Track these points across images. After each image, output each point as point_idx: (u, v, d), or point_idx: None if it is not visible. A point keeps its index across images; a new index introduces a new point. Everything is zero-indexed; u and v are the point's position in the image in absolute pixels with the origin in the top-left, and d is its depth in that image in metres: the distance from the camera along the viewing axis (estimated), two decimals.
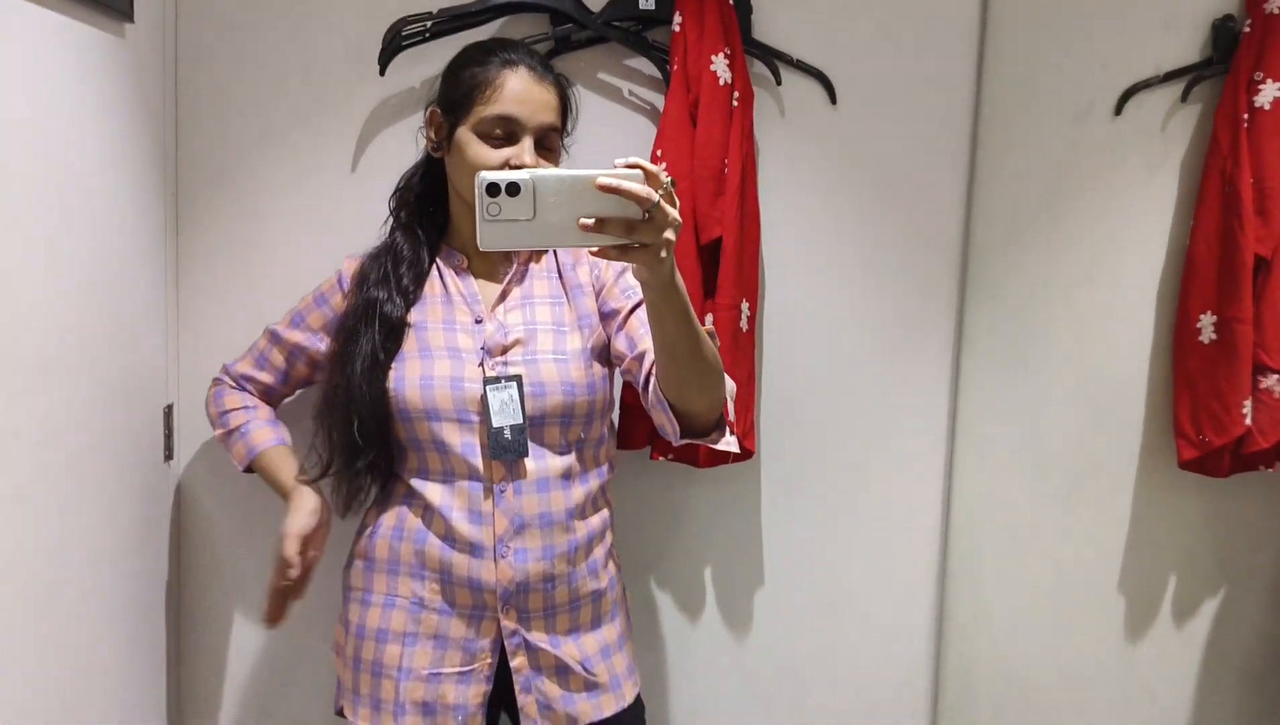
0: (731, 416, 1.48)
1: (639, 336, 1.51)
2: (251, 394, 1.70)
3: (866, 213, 1.89)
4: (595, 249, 1.16)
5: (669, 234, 1.17)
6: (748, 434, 1.83)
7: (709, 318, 1.79)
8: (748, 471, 1.93)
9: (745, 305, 1.81)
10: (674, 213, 1.16)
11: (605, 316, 1.58)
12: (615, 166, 1.14)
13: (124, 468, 1.66)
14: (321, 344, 1.65)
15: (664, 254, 1.18)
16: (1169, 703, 1.94)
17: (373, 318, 1.54)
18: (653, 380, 1.43)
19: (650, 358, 1.46)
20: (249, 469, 1.67)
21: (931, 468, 1.95)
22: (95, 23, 1.51)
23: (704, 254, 1.80)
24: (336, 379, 1.55)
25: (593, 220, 1.13)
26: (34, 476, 1.37)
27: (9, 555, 1.32)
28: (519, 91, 1.50)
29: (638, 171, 1.13)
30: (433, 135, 1.57)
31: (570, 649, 1.55)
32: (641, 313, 1.51)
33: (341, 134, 1.84)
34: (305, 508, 1.56)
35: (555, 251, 1.63)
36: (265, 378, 1.70)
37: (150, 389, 1.76)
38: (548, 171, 1.15)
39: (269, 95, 1.83)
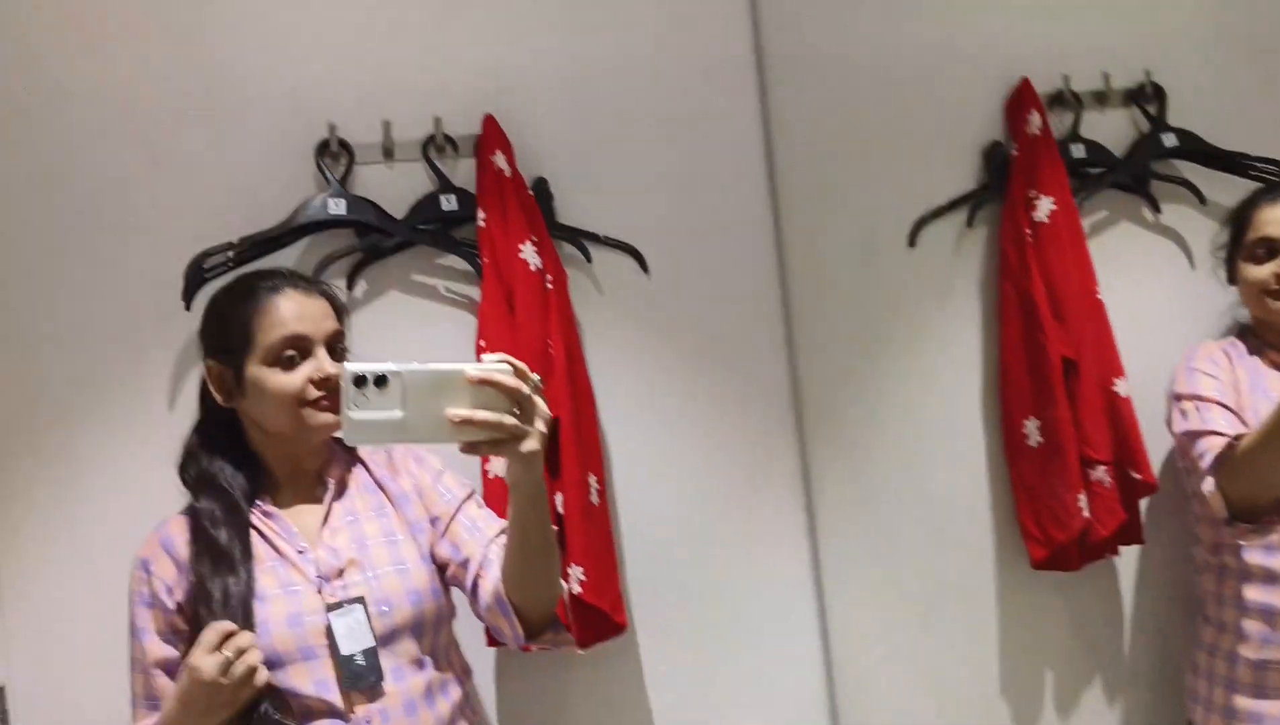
0: (568, 600, 1.48)
1: (462, 542, 1.48)
2: None
3: (696, 371, 1.93)
4: (465, 443, 1.15)
5: (539, 426, 1.16)
6: (616, 608, 1.81)
7: (559, 497, 1.78)
8: (626, 645, 1.90)
9: (593, 479, 1.80)
10: (543, 406, 1.16)
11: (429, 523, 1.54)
12: (482, 361, 1.14)
13: None
14: (184, 644, 1.46)
15: (535, 446, 1.17)
16: None
17: (211, 601, 1.40)
18: (489, 584, 1.42)
19: (476, 564, 1.45)
20: None
21: (804, 611, 1.95)
22: None
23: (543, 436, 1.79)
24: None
25: (463, 415, 1.11)
26: None
27: None
28: (296, 310, 1.45)
29: (506, 366, 1.13)
30: (218, 388, 1.49)
31: None
32: (462, 518, 1.49)
33: (156, 372, 1.80)
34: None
35: (369, 466, 1.56)
36: None
37: None
38: (416, 366, 1.13)
39: (79, 333, 1.78)
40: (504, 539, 1.46)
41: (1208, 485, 1.71)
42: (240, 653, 1.32)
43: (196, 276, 1.74)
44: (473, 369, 1.12)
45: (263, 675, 1.35)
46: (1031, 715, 1.98)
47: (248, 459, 1.53)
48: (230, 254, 1.75)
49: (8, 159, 1.78)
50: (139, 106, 1.81)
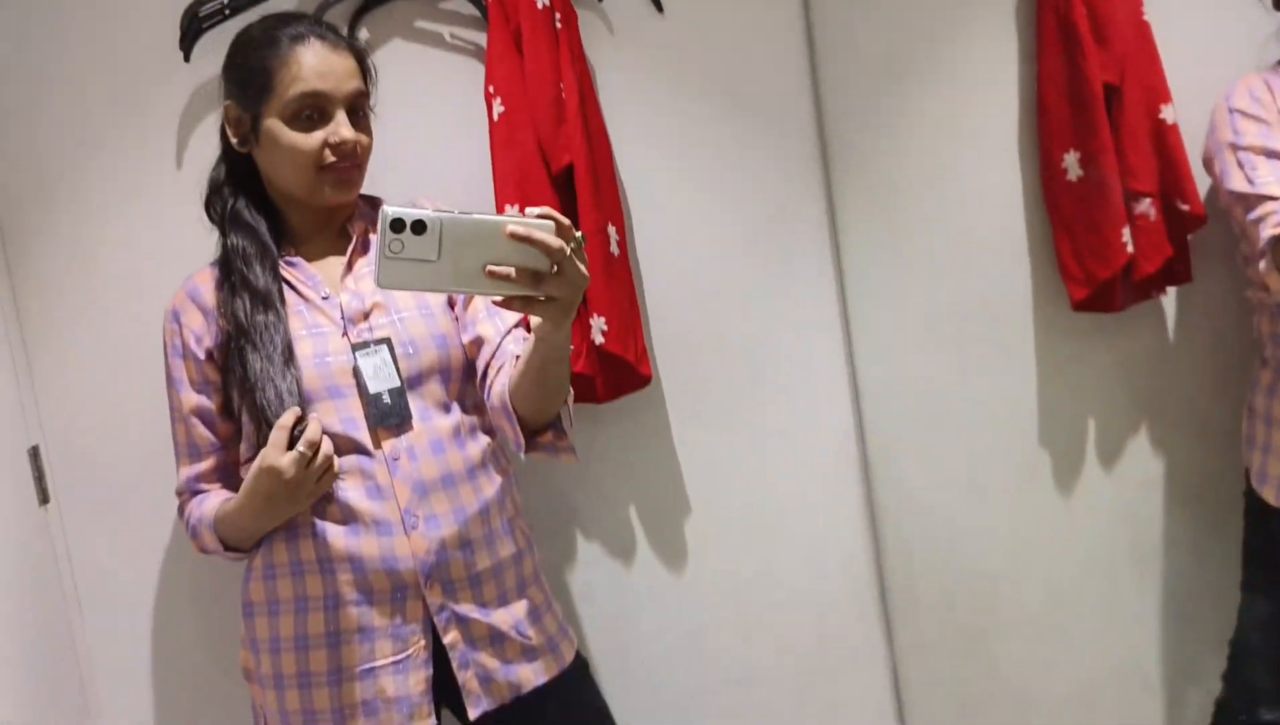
0: (570, 405, 1.47)
1: (480, 320, 1.49)
2: (210, 491, 1.52)
3: (716, 113, 1.84)
4: (499, 298, 1.15)
5: (576, 289, 1.16)
6: (641, 359, 1.78)
7: None
8: (650, 399, 1.87)
9: (612, 230, 1.76)
10: (584, 268, 1.16)
11: None
12: (527, 215, 1.13)
13: None
14: (217, 393, 1.50)
15: (569, 309, 1.18)
16: (1105, 547, 1.92)
17: (253, 336, 1.41)
18: (498, 387, 1.43)
19: (490, 351, 1.46)
20: (230, 548, 1.49)
21: (833, 362, 1.90)
22: None
23: (558, 184, 1.74)
24: (247, 400, 1.42)
25: (501, 268, 1.12)
26: None
27: None
28: (318, 65, 1.42)
29: (549, 222, 1.12)
30: (234, 131, 1.47)
31: (502, 616, 1.47)
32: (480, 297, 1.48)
33: (161, 131, 1.76)
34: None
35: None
36: (208, 461, 1.52)
37: (9, 430, 1.66)
38: (457, 214, 1.12)
39: (79, 104, 1.75)
40: (520, 333, 1.47)
41: (1264, 266, 1.61)
42: (314, 446, 1.33)
43: (193, 26, 1.69)
44: (514, 224, 1.11)
45: (339, 464, 1.39)
46: (1071, 466, 1.93)
47: (267, 208, 1.52)
48: (225, 1, 1.69)
49: None
50: None
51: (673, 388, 1.89)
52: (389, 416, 1.42)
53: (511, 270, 1.13)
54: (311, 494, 1.38)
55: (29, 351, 1.76)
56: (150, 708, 1.84)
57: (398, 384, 1.43)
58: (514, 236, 1.10)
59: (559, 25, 1.72)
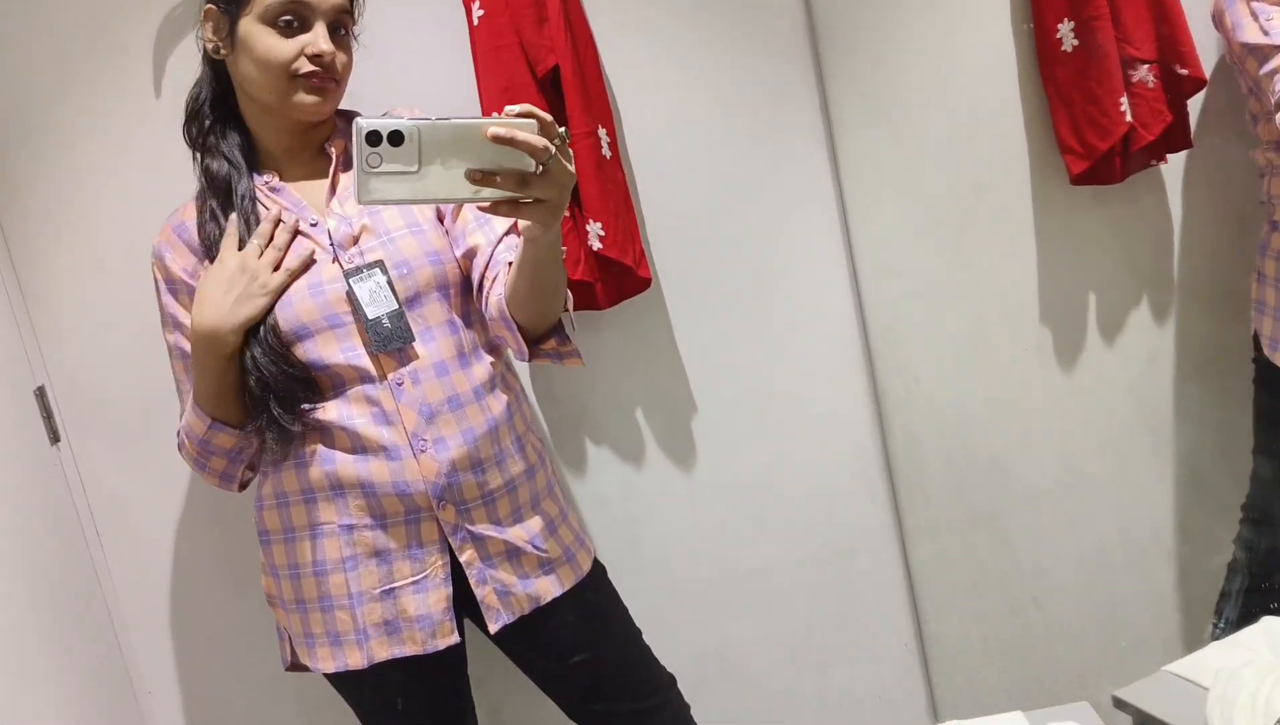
0: (571, 308, 1.44)
1: (469, 230, 1.46)
2: None
3: (700, 5, 1.80)
4: (485, 205, 1.11)
5: (563, 188, 1.12)
6: (640, 262, 1.77)
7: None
8: (651, 301, 1.87)
9: (603, 132, 1.73)
10: (570, 166, 1.12)
11: None
12: (507, 114, 1.08)
13: (3, 453, 1.56)
14: None
15: (558, 211, 1.15)
16: (1113, 420, 1.93)
17: None
18: (496, 297, 1.40)
19: (483, 262, 1.43)
20: (216, 420, 1.44)
21: (831, 250, 1.89)
22: None
23: (545, 87, 1.71)
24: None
25: (483, 173, 1.08)
26: None
27: None
28: None
29: (531, 121, 1.07)
30: (211, 35, 1.43)
31: (516, 532, 1.47)
32: (469, 207, 1.45)
33: (136, 59, 1.72)
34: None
35: None
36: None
37: (13, 371, 1.66)
38: (434, 120, 1.07)
39: (48, 36, 1.70)
40: (513, 240, 1.43)
41: None
42: (265, 238, 1.38)
43: None
44: (495, 125, 1.06)
45: (288, 264, 1.39)
46: (1073, 341, 1.93)
47: (246, 132, 1.49)
48: None
49: None
50: None
51: (673, 288, 1.88)
52: (390, 340, 1.40)
53: (496, 175, 1.09)
54: (266, 288, 1.37)
55: (25, 294, 1.75)
56: (175, 632, 1.88)
57: (395, 306, 1.40)
58: (495, 139, 1.06)
59: None
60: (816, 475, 1.95)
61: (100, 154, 1.74)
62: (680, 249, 1.86)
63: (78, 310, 1.76)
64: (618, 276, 1.78)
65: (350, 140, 1.45)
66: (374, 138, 1.06)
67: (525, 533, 1.48)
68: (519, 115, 1.08)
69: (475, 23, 1.68)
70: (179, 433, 1.50)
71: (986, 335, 1.92)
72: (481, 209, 1.12)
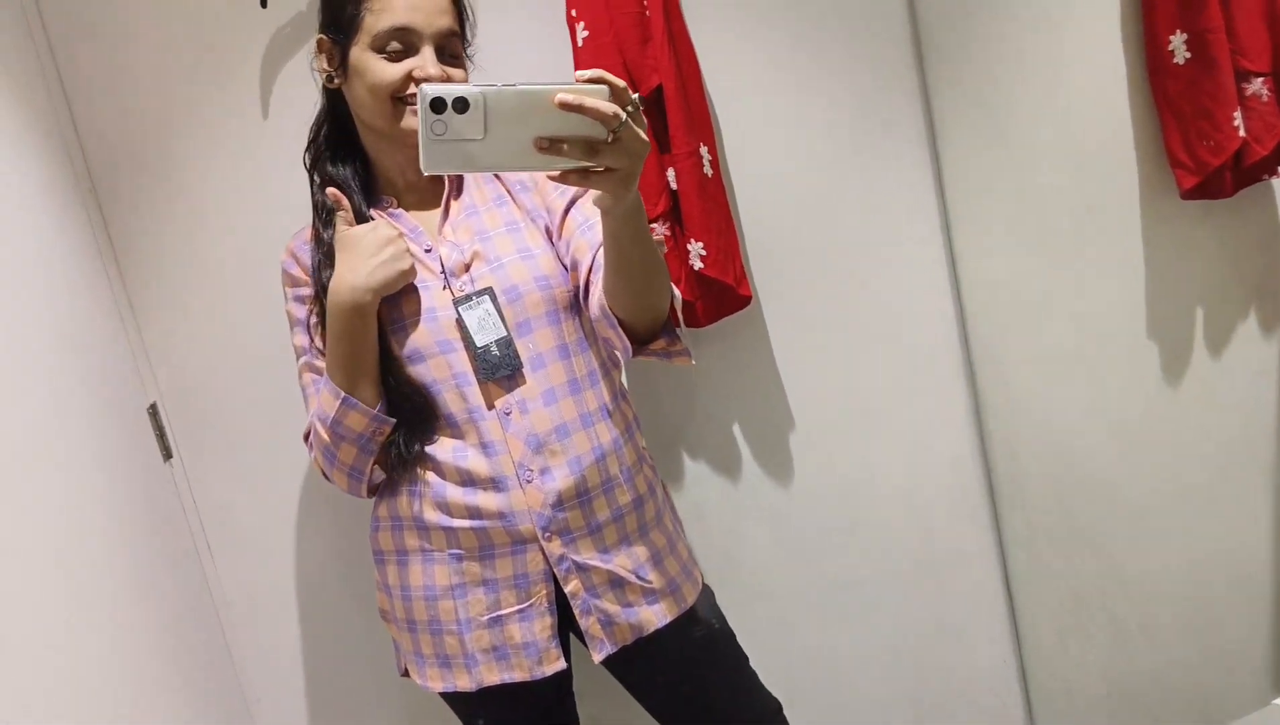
0: (679, 309, 1.40)
1: (574, 239, 1.42)
2: None
3: (803, 20, 1.78)
4: (554, 173, 1.07)
5: (636, 157, 1.07)
6: (741, 281, 1.77)
7: (670, 172, 1.71)
8: (751, 318, 1.87)
9: (704, 150, 1.72)
10: (642, 133, 1.07)
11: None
12: (577, 81, 1.03)
13: (120, 473, 1.59)
14: None
15: (630, 180, 1.10)
16: (1217, 437, 1.90)
17: (324, 299, 1.41)
18: (596, 295, 1.36)
19: (588, 264, 1.39)
20: (348, 395, 1.41)
21: (933, 262, 1.88)
22: None
23: (648, 108, 1.70)
24: None
25: (550, 141, 1.03)
26: (34, 497, 1.31)
27: (32, 575, 1.27)
28: None
29: (603, 87, 1.03)
30: (325, 65, 1.44)
31: (622, 560, 1.47)
32: (576, 214, 1.43)
33: (244, 81, 1.74)
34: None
35: None
36: None
37: (126, 391, 1.70)
38: (500, 86, 1.03)
39: (158, 58, 1.73)
40: None
41: None
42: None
43: None
44: (564, 91, 1.01)
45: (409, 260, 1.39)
46: (1180, 355, 1.89)
47: (365, 157, 1.51)
48: None
49: None
50: None
51: (772, 302, 1.87)
52: (498, 368, 1.39)
53: (563, 143, 1.05)
54: (400, 258, 1.38)
55: (136, 314, 1.78)
56: (284, 642, 1.92)
57: (504, 334, 1.40)
58: (564, 105, 1.01)
59: None
60: (914, 488, 1.95)
61: (209, 173, 1.77)
62: (780, 264, 1.86)
63: (187, 328, 1.80)
64: (718, 294, 1.78)
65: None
66: (439, 104, 1.03)
67: (630, 562, 1.47)
68: (590, 80, 1.03)
69: (580, 43, 1.68)
70: (308, 427, 1.48)
71: (1091, 348, 1.89)
72: (550, 177, 1.09)
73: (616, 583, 1.46)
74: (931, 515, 1.96)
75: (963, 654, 1.99)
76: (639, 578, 1.47)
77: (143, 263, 1.78)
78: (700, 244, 1.71)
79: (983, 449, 1.94)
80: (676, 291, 1.40)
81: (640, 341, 1.39)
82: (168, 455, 1.79)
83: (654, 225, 1.72)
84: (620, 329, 1.34)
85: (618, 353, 1.43)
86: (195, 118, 1.75)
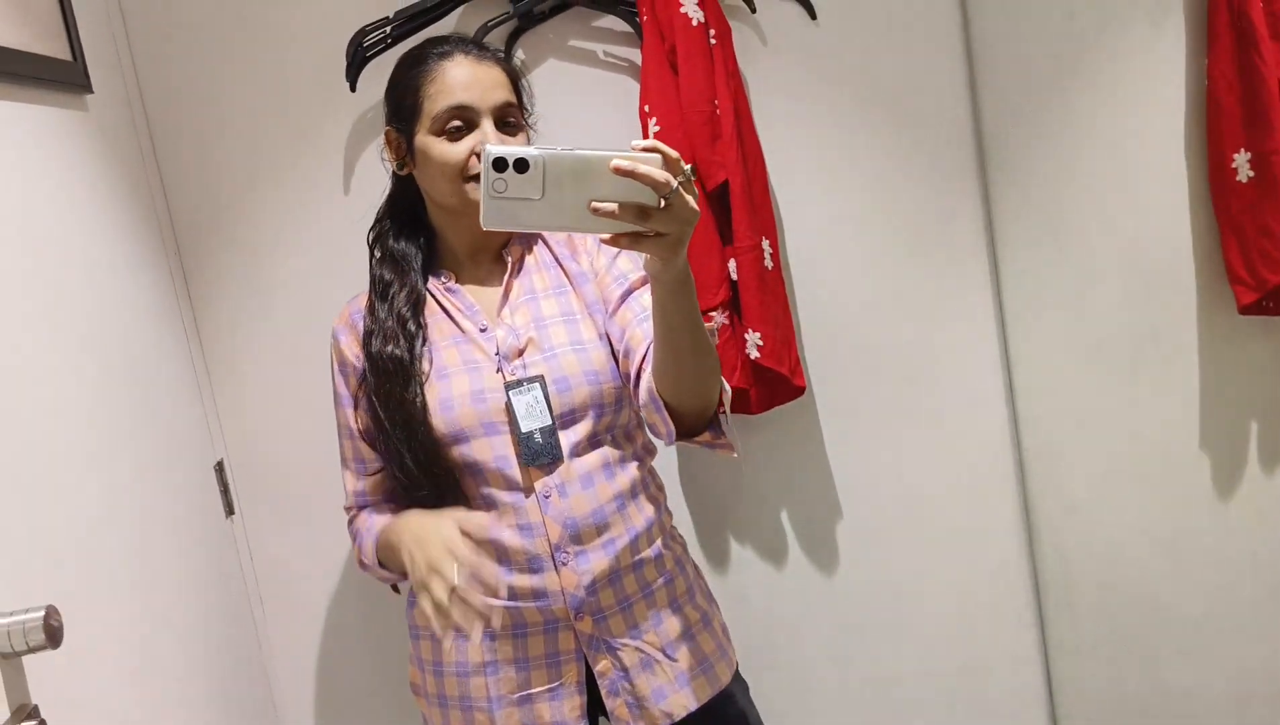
0: (728, 403, 1.42)
1: (629, 328, 1.44)
2: (376, 507, 1.57)
3: (870, 124, 1.83)
4: (606, 236, 1.11)
5: (685, 224, 1.11)
6: (796, 371, 1.80)
7: (732, 263, 1.75)
8: (804, 408, 1.89)
9: (766, 243, 1.76)
10: (693, 202, 1.11)
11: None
12: (632, 148, 1.07)
13: (186, 527, 1.65)
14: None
15: (680, 246, 1.13)
16: (1266, 551, 1.89)
17: (384, 369, 1.45)
18: (646, 378, 1.38)
19: (640, 353, 1.40)
20: (381, 564, 1.52)
21: (988, 366, 1.90)
22: (54, 102, 1.47)
23: (713, 201, 1.75)
24: (379, 430, 1.47)
25: (605, 204, 1.07)
26: (108, 551, 1.36)
27: (102, 625, 1.31)
28: (462, 77, 1.43)
29: (656, 156, 1.07)
30: (394, 154, 1.50)
31: (651, 638, 1.47)
32: (633, 303, 1.45)
33: (327, 158, 1.82)
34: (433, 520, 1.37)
35: (548, 241, 1.54)
36: (374, 477, 1.56)
37: (196, 447, 1.76)
38: (559, 150, 1.08)
39: (247, 134, 1.81)
40: None
41: None
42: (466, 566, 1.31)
43: (358, 56, 1.73)
44: (619, 157, 1.06)
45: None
46: (1233, 470, 1.89)
47: (430, 234, 1.55)
48: (387, 30, 1.73)
49: None
50: None
51: (825, 393, 1.90)
52: (540, 455, 1.41)
53: (616, 206, 1.08)
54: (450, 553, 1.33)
55: (210, 371, 1.86)
56: (325, 699, 1.96)
57: (549, 422, 1.41)
58: (619, 171, 1.05)
59: (713, 41, 1.72)
60: (960, 587, 1.95)
61: (287, 242, 1.84)
62: (834, 355, 1.89)
63: (257, 389, 1.86)
64: (772, 383, 1.81)
65: (528, 247, 1.51)
66: (500, 164, 1.08)
67: (659, 639, 1.48)
68: (644, 149, 1.07)
69: (650, 137, 1.73)
70: (350, 527, 1.57)
71: (1144, 459, 1.89)
72: (602, 240, 1.12)
73: (647, 663, 1.46)
74: (976, 617, 1.95)
75: None
76: (668, 656, 1.47)
77: (220, 324, 1.86)
78: (758, 334, 1.75)
79: (1031, 553, 1.94)
80: (726, 385, 1.41)
81: (686, 431, 1.41)
82: (230, 511, 1.85)
83: (713, 313, 1.76)
84: (666, 413, 1.36)
85: (660, 440, 1.43)
86: (278, 189, 1.83)
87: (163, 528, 1.56)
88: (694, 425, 1.41)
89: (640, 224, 1.09)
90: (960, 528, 1.93)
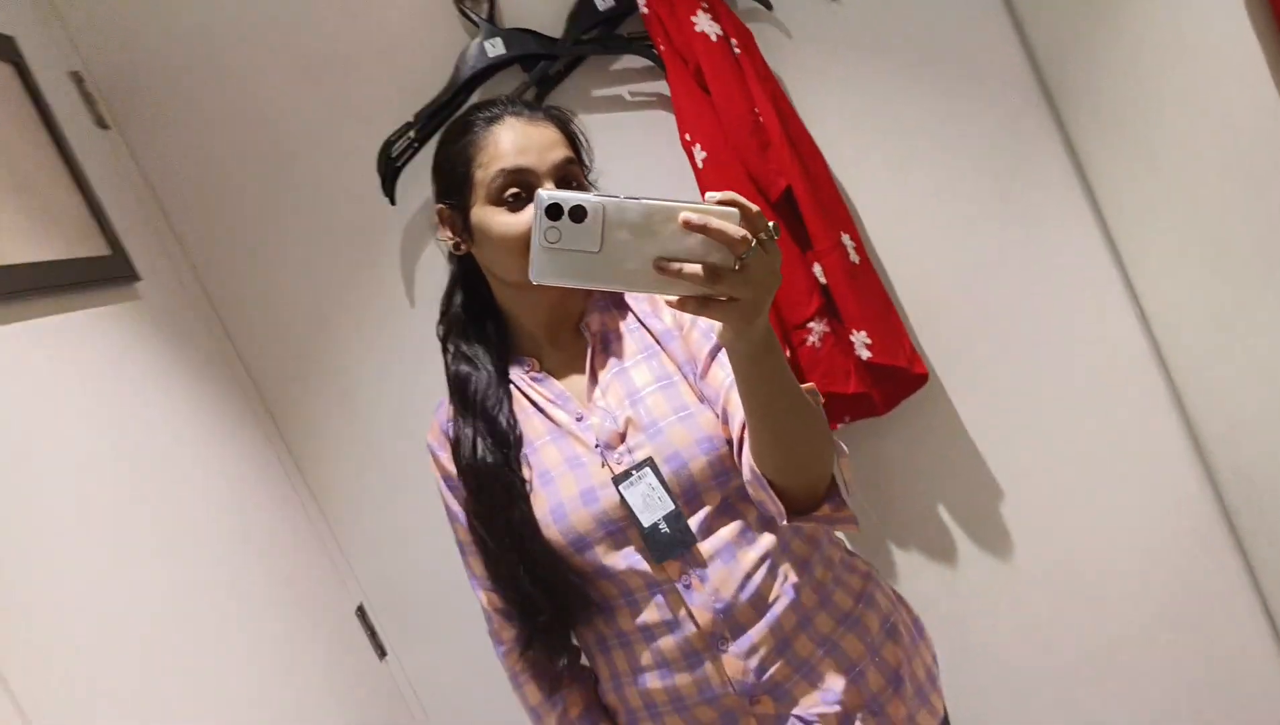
0: (848, 477, 1.22)
1: (723, 389, 1.24)
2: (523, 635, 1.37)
3: (921, 85, 1.73)
4: (673, 298, 0.95)
5: (763, 290, 0.96)
6: (914, 359, 1.70)
7: (816, 267, 1.66)
8: (934, 395, 1.79)
9: (847, 239, 1.67)
10: (775, 263, 0.96)
11: None
12: (708, 200, 0.92)
13: (337, 672, 1.61)
14: None
15: (755, 313, 0.97)
16: None
17: (480, 483, 1.31)
18: (745, 455, 1.19)
19: (740, 419, 1.20)
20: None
21: (1111, 295, 1.78)
22: (104, 300, 1.45)
23: (781, 210, 1.67)
24: (483, 551, 1.34)
25: (673, 263, 0.92)
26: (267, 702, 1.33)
27: None
28: (517, 140, 1.25)
29: (733, 210, 0.92)
30: (450, 234, 1.32)
31: (851, 697, 1.26)
32: (725, 360, 1.24)
33: (387, 280, 1.79)
34: None
35: (626, 302, 1.36)
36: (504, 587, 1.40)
37: (332, 595, 1.72)
38: (623, 198, 0.93)
39: (306, 279, 1.80)
40: None
41: None
42: None
43: (389, 168, 1.70)
44: (689, 210, 0.90)
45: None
46: None
47: (500, 317, 1.38)
48: (411, 134, 1.69)
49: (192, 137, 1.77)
50: (287, 47, 1.76)
51: (951, 375, 1.80)
52: (671, 548, 1.24)
53: (684, 266, 0.93)
54: None
55: (329, 519, 1.82)
56: None
57: (672, 508, 1.24)
58: (689, 226, 0.90)
59: (737, 51, 1.64)
60: (1144, 537, 1.81)
61: (371, 370, 1.81)
62: (950, 335, 1.78)
63: (380, 527, 1.83)
64: (892, 379, 1.72)
65: (609, 317, 1.35)
66: (555, 211, 0.93)
67: (860, 696, 1.27)
68: (720, 202, 0.92)
69: (700, 165, 1.67)
70: (513, 679, 1.43)
71: None
72: (669, 303, 0.96)
73: (846, 721, 1.26)
74: (1170, 563, 1.82)
75: (1244, 703, 1.82)
76: (873, 711, 1.28)
77: (326, 470, 1.83)
78: (863, 332, 1.66)
79: (1211, 481, 1.80)
80: (843, 447, 1.24)
81: (801, 509, 1.20)
82: (382, 653, 1.80)
83: (810, 324, 1.67)
84: (772, 492, 1.17)
85: (769, 514, 1.22)
86: (350, 323, 1.81)
87: (315, 675, 1.53)
88: (807, 501, 1.20)
89: (711, 287, 0.93)
90: (1130, 474, 1.80)
